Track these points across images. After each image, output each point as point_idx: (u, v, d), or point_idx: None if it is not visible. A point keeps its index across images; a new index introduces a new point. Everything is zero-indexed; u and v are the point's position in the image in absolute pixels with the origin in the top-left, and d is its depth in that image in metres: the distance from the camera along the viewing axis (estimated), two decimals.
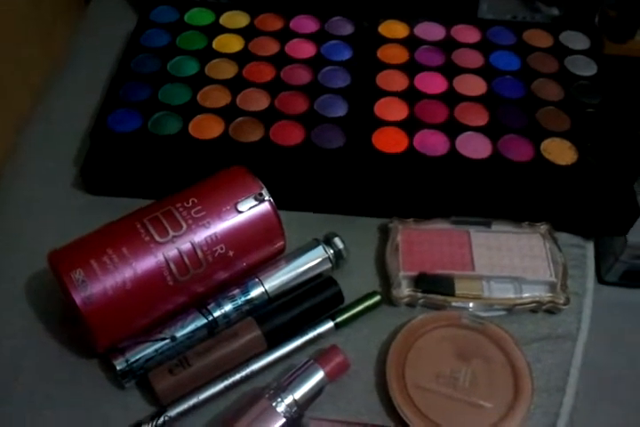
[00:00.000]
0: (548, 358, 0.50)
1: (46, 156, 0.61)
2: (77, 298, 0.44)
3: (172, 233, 0.47)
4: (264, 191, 0.49)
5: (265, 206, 0.49)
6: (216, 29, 0.63)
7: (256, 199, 0.49)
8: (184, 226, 0.47)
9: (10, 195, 0.58)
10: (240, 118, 0.56)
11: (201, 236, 0.47)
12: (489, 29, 0.65)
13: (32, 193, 0.58)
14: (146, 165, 0.55)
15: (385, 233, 0.56)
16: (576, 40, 0.64)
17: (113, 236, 0.47)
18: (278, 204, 0.49)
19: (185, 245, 0.47)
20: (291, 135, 0.55)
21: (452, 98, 0.59)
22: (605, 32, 0.79)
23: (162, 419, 0.45)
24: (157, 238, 0.46)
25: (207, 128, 0.56)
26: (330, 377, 0.46)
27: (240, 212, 0.48)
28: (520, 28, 0.65)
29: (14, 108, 0.65)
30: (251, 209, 0.49)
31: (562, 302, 0.52)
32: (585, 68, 0.62)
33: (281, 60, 0.61)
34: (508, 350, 0.49)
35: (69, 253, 0.46)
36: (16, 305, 0.51)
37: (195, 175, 0.51)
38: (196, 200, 0.48)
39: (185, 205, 0.48)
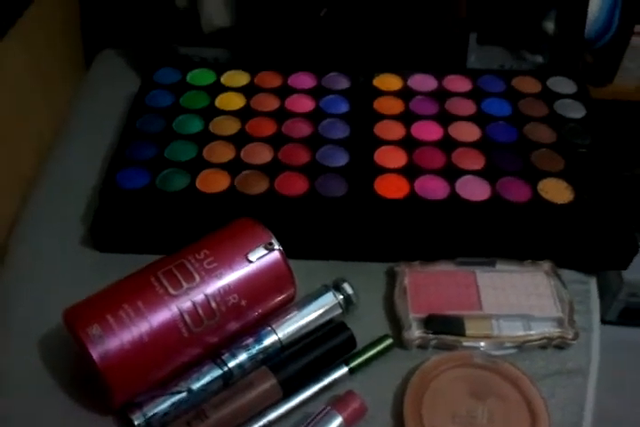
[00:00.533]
0: (561, 393, 0.51)
1: (54, 215, 0.62)
2: (95, 353, 0.44)
3: (185, 285, 0.48)
4: (274, 240, 0.51)
5: (275, 255, 0.50)
6: (218, 88, 0.66)
7: (266, 248, 0.50)
8: (197, 278, 0.48)
9: (19, 254, 0.59)
10: (245, 172, 0.58)
11: (214, 286, 0.48)
12: (479, 78, 0.68)
13: (41, 252, 0.59)
14: (155, 221, 0.57)
15: (392, 277, 0.57)
16: (563, 85, 0.67)
17: (128, 290, 0.48)
18: (286, 253, 0.51)
19: (199, 297, 0.48)
20: (295, 186, 0.57)
21: (448, 144, 0.61)
22: (585, 77, 0.83)
23: None
24: (171, 291, 0.47)
25: (214, 182, 0.57)
26: (348, 423, 0.46)
27: (251, 261, 0.50)
28: (509, 75, 0.68)
29: (20, 170, 0.67)
30: (261, 258, 0.50)
31: (570, 337, 0.53)
32: (574, 111, 0.64)
33: (281, 114, 0.63)
34: (522, 388, 0.49)
35: (85, 310, 0.47)
36: (29, 363, 0.52)
37: (203, 229, 0.52)
38: (207, 252, 0.49)
39: (197, 257, 0.49)
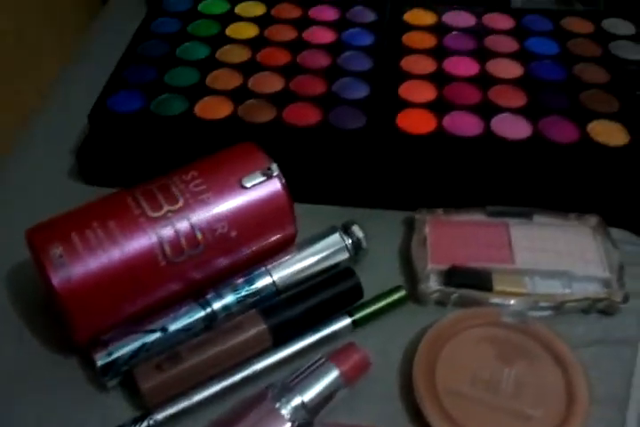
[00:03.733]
0: (604, 364, 0.42)
1: (46, 146, 0.57)
2: (54, 277, 0.38)
3: (166, 207, 0.41)
4: (273, 166, 0.44)
5: (274, 184, 0.43)
6: (230, 18, 0.59)
7: (264, 175, 0.43)
8: (181, 200, 0.41)
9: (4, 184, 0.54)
10: (251, 100, 0.52)
11: (199, 212, 0.41)
12: (523, 18, 0.60)
13: (27, 182, 0.54)
14: (147, 149, 0.50)
15: (410, 227, 0.50)
16: (619, 26, 0.59)
17: (99, 209, 0.41)
18: (291, 195, 0.43)
19: (180, 222, 0.41)
20: (306, 116, 0.50)
21: (485, 80, 0.53)
22: None
23: (146, 423, 0.38)
24: (150, 213, 0.41)
25: (214, 109, 0.51)
26: (346, 379, 0.39)
27: (245, 188, 0.43)
28: (557, 16, 0.60)
29: (22, 99, 0.62)
30: (257, 186, 0.43)
31: (619, 300, 0.44)
32: (632, 53, 0.56)
33: (298, 45, 0.56)
34: (558, 353, 0.41)
35: (48, 228, 0.40)
36: None
37: None
38: (196, 173, 0.43)
39: (183, 178, 0.42)
